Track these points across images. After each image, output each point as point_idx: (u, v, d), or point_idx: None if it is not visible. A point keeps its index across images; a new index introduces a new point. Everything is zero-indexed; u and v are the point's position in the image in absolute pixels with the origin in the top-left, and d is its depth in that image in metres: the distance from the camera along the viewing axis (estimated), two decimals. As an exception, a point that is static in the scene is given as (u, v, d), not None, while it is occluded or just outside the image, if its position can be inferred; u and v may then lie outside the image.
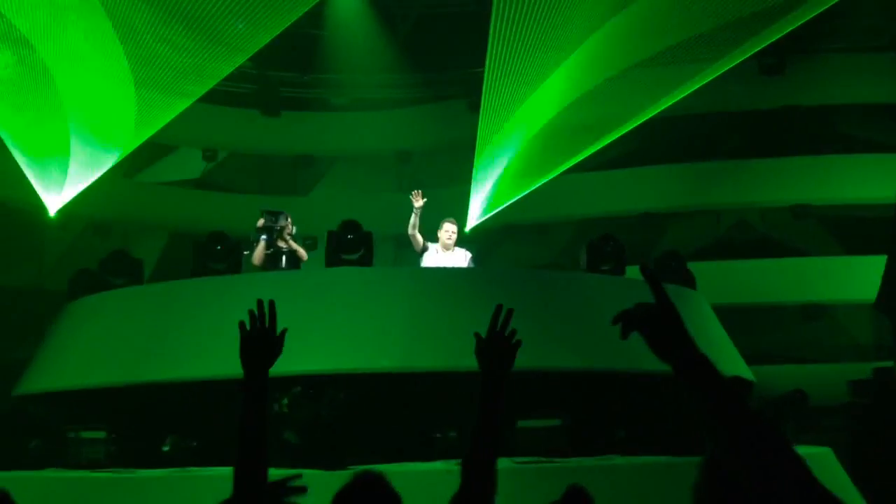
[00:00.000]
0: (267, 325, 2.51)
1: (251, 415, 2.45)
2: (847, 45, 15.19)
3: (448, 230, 9.47)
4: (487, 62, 12.48)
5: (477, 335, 2.56)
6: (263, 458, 2.43)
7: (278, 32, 13.17)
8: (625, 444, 7.87)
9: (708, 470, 3.76)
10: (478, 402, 2.50)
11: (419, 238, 9.39)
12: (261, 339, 2.49)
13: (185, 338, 8.24)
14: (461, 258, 9.51)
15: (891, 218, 12.24)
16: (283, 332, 2.54)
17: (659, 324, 1.79)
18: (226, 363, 8.07)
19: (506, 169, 13.95)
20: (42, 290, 14.20)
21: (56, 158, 12.72)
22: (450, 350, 7.63)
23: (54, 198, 12.78)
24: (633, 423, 8.08)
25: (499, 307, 2.57)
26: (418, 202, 9.33)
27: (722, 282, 13.66)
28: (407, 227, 9.42)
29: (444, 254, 9.44)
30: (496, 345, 2.54)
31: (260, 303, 2.52)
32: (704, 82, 13.16)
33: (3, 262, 14.12)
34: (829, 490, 1.66)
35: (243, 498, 2.40)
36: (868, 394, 11.87)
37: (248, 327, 2.51)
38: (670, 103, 13.40)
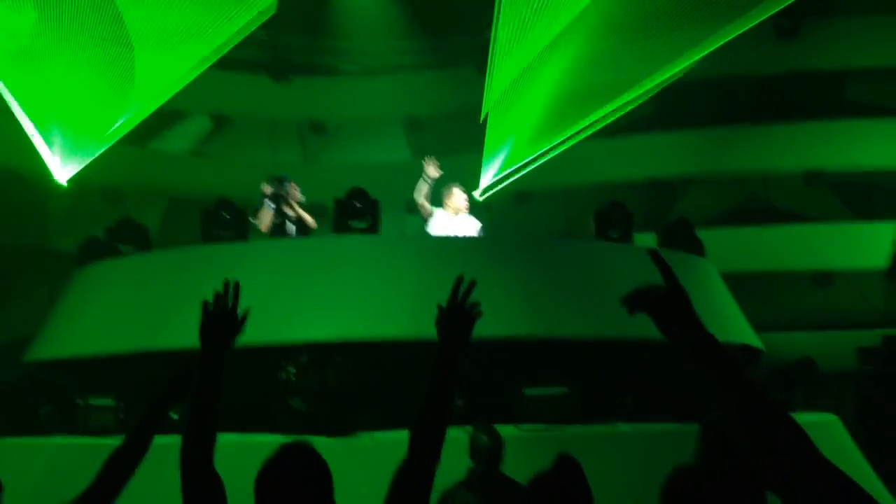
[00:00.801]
0: (230, 305, 2.56)
1: (205, 392, 2.51)
2: (864, 7, 14.94)
3: (459, 195, 9.46)
4: (495, 26, 12.33)
5: (439, 306, 2.55)
6: (212, 433, 2.49)
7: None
8: (632, 412, 7.89)
9: (705, 438, 3.77)
10: (430, 372, 2.48)
11: (427, 206, 9.37)
12: (223, 318, 2.55)
13: (193, 305, 8.23)
14: (470, 225, 9.50)
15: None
16: (246, 313, 2.59)
17: (668, 307, 1.80)
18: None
19: (517, 135, 13.82)
20: (47, 249, 14.37)
21: (66, 127, 12.70)
22: (456, 318, 7.61)
23: (65, 166, 12.78)
24: (641, 391, 8.09)
25: (459, 278, 2.54)
26: (432, 172, 9.27)
27: (733, 249, 13.59)
28: (415, 193, 9.39)
29: (453, 219, 9.41)
30: (454, 316, 2.53)
31: (226, 283, 2.58)
32: (720, 44, 12.95)
33: (8, 222, 14.23)
34: (831, 461, 1.68)
35: (187, 464, 2.46)
36: (877, 361, 11.84)
37: (211, 307, 2.59)
38: (685, 66, 13.21)
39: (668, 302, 1.81)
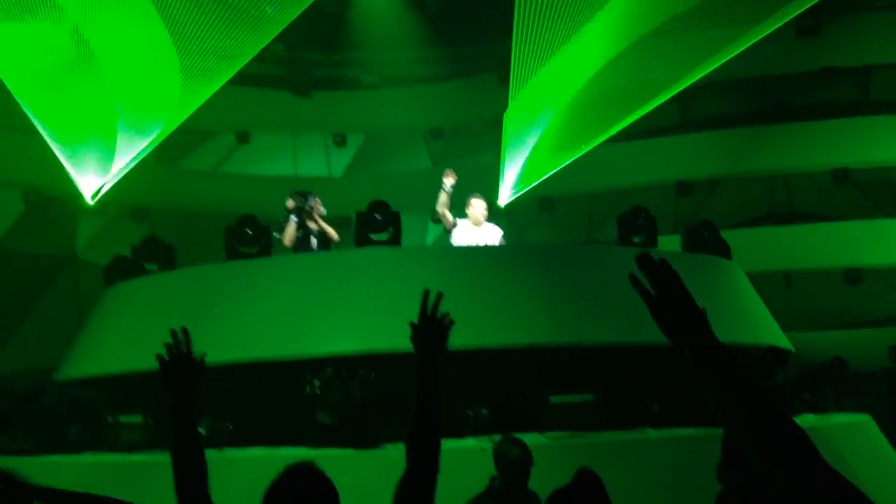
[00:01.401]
0: (185, 352, 2.69)
1: (182, 437, 2.62)
2: (884, 3, 14.80)
3: (479, 206, 9.45)
4: (515, 32, 12.30)
5: (411, 323, 2.64)
6: (199, 466, 2.58)
7: (305, 6, 13.08)
8: (658, 418, 7.81)
9: (728, 446, 3.73)
10: (417, 384, 2.56)
11: (449, 216, 9.38)
12: (180, 366, 2.68)
13: (219, 322, 8.32)
14: (492, 234, 9.49)
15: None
16: (203, 356, 2.73)
17: (673, 309, 1.81)
18: (260, 346, 8.13)
19: (539, 141, 13.79)
20: (77, 267, 14.58)
21: (92, 146, 12.85)
22: (480, 328, 7.62)
23: (91, 185, 12.93)
24: (667, 397, 8.01)
25: (426, 292, 2.61)
26: (450, 180, 9.30)
27: (762, 248, 13.49)
28: (436, 204, 9.41)
29: (475, 230, 9.42)
30: (427, 329, 2.58)
31: (174, 332, 2.71)
32: (745, 47, 12.84)
33: (39, 241, 14.46)
34: (835, 469, 1.66)
35: (180, 495, 2.53)
36: (910, 359, 11.68)
37: (167, 357, 2.73)
38: (708, 70, 13.12)
39: (673, 306, 1.81)
